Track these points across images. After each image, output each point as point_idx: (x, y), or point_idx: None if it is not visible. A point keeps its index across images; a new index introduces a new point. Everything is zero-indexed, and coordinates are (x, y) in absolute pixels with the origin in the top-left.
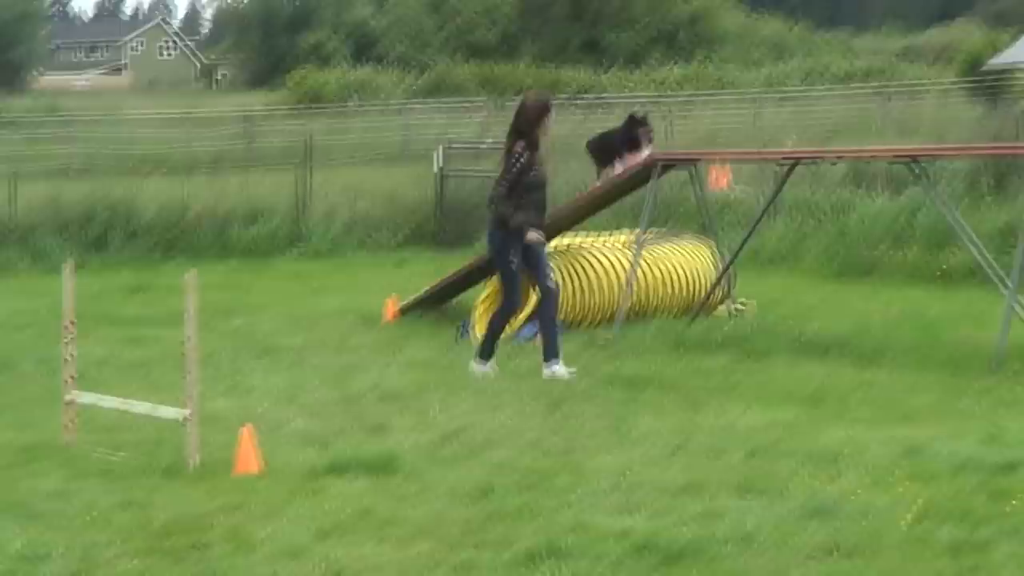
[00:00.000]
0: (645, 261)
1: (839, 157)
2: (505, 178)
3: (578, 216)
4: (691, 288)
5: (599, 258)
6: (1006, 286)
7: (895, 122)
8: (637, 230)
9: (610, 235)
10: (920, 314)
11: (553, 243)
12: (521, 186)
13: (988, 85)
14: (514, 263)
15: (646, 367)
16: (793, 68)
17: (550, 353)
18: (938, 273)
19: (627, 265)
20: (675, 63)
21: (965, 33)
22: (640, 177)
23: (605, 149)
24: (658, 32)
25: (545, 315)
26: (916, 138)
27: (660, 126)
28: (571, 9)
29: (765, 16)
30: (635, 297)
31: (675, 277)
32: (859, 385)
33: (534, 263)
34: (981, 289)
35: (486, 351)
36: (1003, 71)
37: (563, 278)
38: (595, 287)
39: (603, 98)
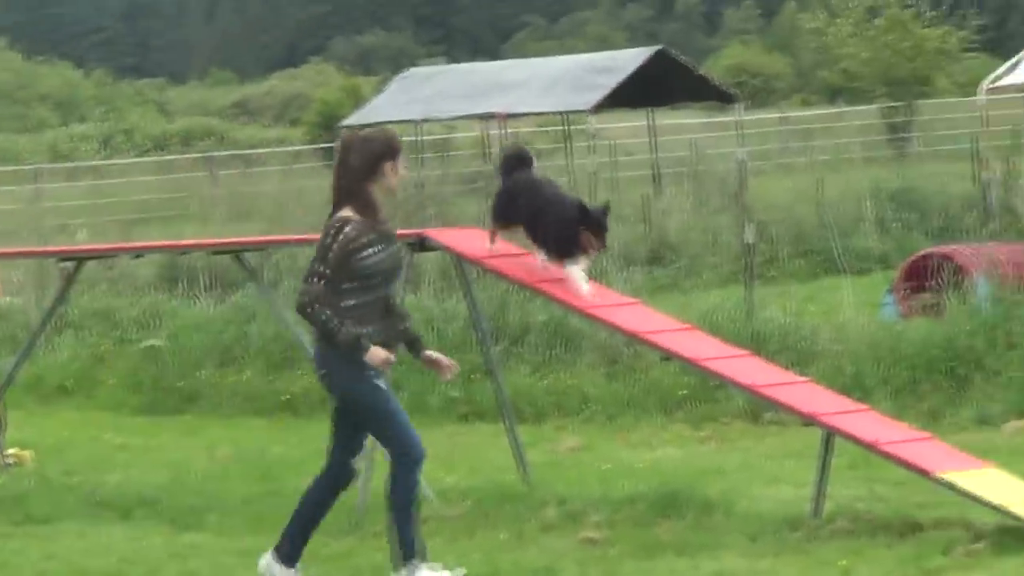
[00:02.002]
0: None
1: (143, 251)
2: (317, 268)
3: None
4: None
5: None
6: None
7: (226, 201)
8: None
9: None
10: (258, 456)
11: None
12: (349, 276)
13: None
14: (380, 383)
15: None
16: (88, 131)
17: (409, 551)
18: (282, 400)
19: None
20: None
21: (317, 80)
22: None
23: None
24: None
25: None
26: (254, 222)
27: None
28: None
29: (48, 62)
30: None
31: None
32: (175, 555)
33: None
34: None
35: (410, 549)
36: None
37: None
38: None
39: None
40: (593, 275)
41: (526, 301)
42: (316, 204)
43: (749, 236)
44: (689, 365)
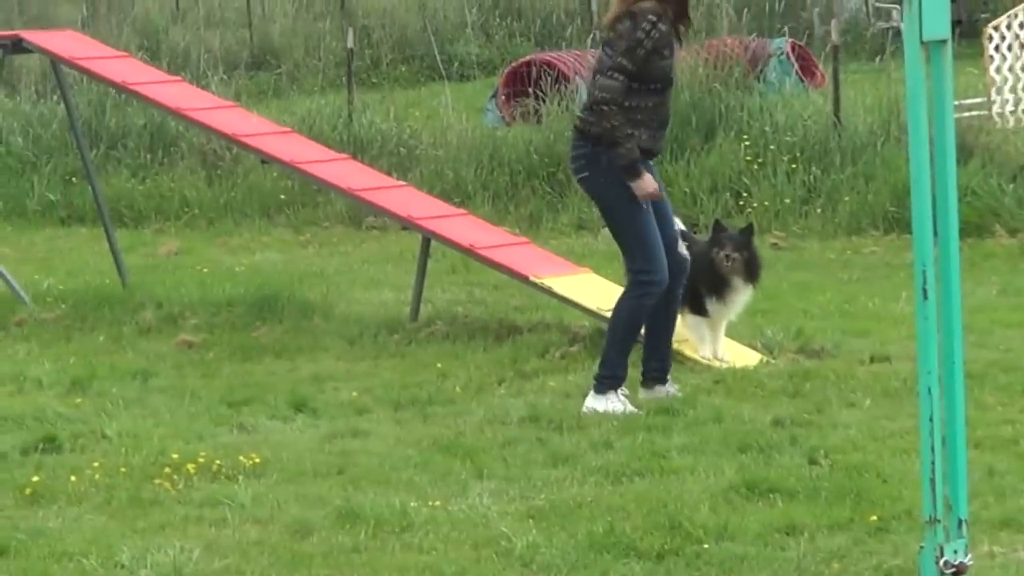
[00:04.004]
0: None
1: None
2: (622, 63)
3: None
4: None
5: None
6: None
7: None
8: None
9: None
10: None
11: None
12: (644, 77)
13: None
14: (644, 204)
15: None
16: None
17: (609, 375)
18: None
19: None
20: None
21: None
22: None
23: None
24: None
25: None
26: None
27: None
28: None
29: None
30: None
31: None
32: None
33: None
34: None
35: (611, 373)
36: None
37: None
38: None
39: None
40: (194, 79)
41: (124, 104)
42: None
43: (350, 41)
44: (288, 169)
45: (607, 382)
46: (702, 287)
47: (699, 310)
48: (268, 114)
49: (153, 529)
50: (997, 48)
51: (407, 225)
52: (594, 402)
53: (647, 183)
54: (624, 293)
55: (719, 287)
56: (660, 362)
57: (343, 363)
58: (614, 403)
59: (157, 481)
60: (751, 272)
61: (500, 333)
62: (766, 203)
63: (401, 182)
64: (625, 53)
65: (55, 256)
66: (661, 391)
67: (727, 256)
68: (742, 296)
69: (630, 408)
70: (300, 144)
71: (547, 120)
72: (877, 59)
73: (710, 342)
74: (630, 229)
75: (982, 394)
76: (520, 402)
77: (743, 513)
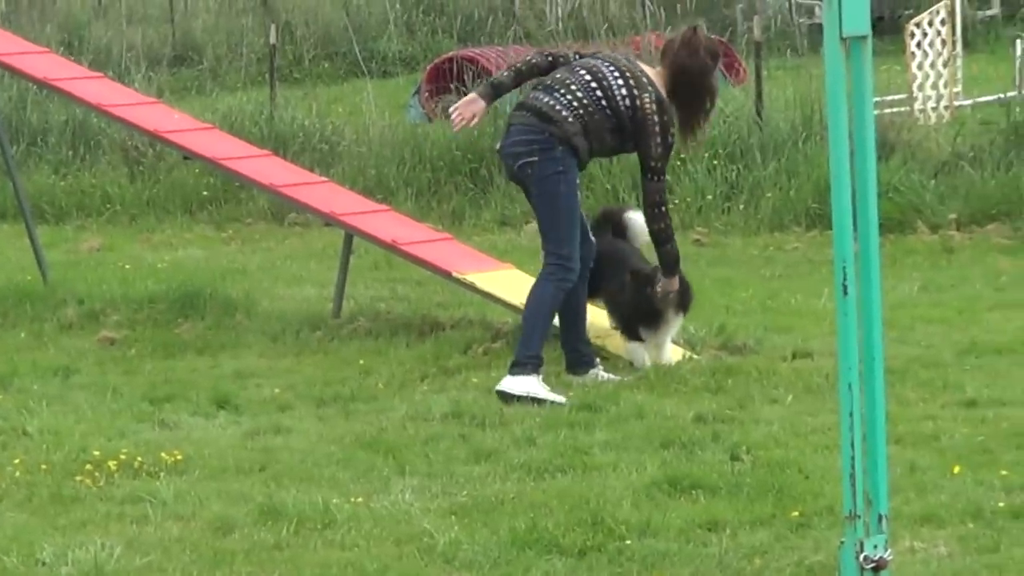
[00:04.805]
0: None
1: None
2: (663, 167)
3: None
4: None
5: None
6: None
7: None
8: None
9: None
10: None
11: None
12: (623, 139)
13: None
14: (575, 188)
15: None
16: None
17: (533, 355)
18: None
19: None
20: None
21: None
22: None
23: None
24: None
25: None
26: None
27: None
28: None
29: None
30: None
31: None
32: None
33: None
34: None
35: (535, 354)
36: None
37: None
38: None
39: None
40: (116, 75)
41: (46, 100)
42: None
43: (272, 37)
44: (210, 165)
45: (531, 362)
46: (636, 319)
47: (635, 337)
48: (190, 110)
49: (74, 526)
50: (919, 45)
51: (329, 221)
52: (513, 383)
53: (673, 281)
54: (544, 276)
55: (654, 319)
56: (588, 345)
57: (265, 360)
58: (535, 386)
59: (78, 478)
60: (684, 304)
61: (423, 329)
62: (688, 199)
63: (323, 178)
64: (665, 155)
65: None
66: (594, 374)
67: (664, 296)
68: (675, 324)
69: (555, 396)
70: (222, 140)
71: None
72: (788, 52)
73: (649, 357)
74: (565, 217)
75: (903, 390)
76: (443, 398)
77: (665, 509)
